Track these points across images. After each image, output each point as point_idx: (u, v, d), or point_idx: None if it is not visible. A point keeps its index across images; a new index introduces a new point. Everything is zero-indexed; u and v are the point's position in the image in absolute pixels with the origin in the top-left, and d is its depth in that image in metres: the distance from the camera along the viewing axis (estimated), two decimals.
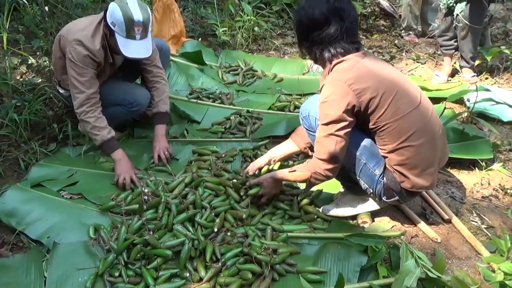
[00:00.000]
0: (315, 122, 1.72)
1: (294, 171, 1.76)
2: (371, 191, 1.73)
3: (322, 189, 1.99)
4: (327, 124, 1.57)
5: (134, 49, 2.01)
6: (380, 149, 1.67)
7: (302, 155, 2.24)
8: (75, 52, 2.03)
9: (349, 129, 1.58)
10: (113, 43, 2.03)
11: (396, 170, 1.66)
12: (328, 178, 1.69)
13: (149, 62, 2.31)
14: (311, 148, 1.98)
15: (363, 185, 1.74)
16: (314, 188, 1.98)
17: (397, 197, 1.71)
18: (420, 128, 1.60)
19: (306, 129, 1.82)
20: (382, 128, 1.59)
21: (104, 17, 2.03)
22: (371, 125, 1.61)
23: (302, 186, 2.06)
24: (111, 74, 2.32)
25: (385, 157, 1.67)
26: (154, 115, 2.33)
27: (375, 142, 1.68)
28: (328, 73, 1.64)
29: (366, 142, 1.67)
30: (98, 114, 2.09)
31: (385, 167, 1.68)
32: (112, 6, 1.98)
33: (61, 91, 2.37)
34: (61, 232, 1.77)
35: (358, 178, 1.73)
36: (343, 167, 1.72)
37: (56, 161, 2.23)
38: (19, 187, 2.02)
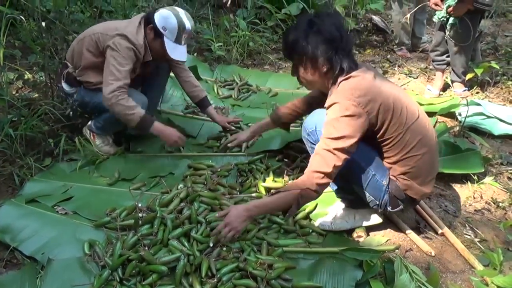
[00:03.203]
0: None
1: (278, 192, 1.63)
2: (377, 202, 1.74)
3: (317, 204, 2.00)
4: (336, 138, 1.55)
5: (179, 52, 2.23)
6: (385, 160, 1.73)
7: (297, 170, 2.26)
8: (120, 44, 2.13)
9: (355, 147, 1.58)
10: (158, 45, 2.21)
11: (400, 179, 1.72)
12: (318, 195, 1.62)
13: (179, 63, 2.54)
14: (290, 118, 2.19)
15: (368, 197, 1.74)
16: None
17: (401, 206, 1.75)
18: (422, 139, 1.68)
19: (311, 143, 1.81)
20: (388, 141, 1.66)
21: (148, 20, 2.20)
22: (378, 139, 1.67)
23: None
24: (139, 74, 2.38)
25: (389, 168, 1.73)
26: (202, 99, 2.57)
27: (379, 154, 1.73)
28: (333, 91, 1.68)
29: (373, 154, 1.71)
30: (127, 97, 2.14)
31: (389, 177, 1.72)
32: (166, 13, 2.17)
33: (66, 88, 2.38)
34: (55, 248, 1.76)
35: (364, 191, 1.73)
36: (348, 180, 1.75)
37: (51, 176, 2.23)
38: (13, 202, 2.01)
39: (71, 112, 2.44)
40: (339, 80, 1.65)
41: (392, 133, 1.64)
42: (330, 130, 1.58)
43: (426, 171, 1.74)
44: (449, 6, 3.03)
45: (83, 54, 2.26)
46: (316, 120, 1.74)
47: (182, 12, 2.20)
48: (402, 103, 1.65)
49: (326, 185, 1.59)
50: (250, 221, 1.69)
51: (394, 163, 1.71)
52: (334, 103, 1.59)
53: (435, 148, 1.76)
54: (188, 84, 2.56)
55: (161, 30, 2.16)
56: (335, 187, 1.96)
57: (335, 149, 1.55)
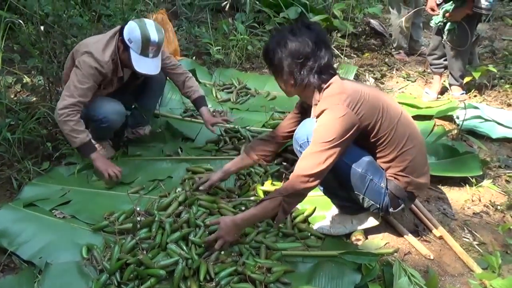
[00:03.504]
0: None
1: (262, 201, 1.69)
2: (378, 206, 1.74)
3: (315, 207, 2.00)
4: (324, 142, 1.55)
5: (146, 66, 2.15)
6: (381, 160, 1.73)
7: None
8: (83, 62, 2.12)
9: (343, 149, 1.59)
10: (126, 57, 2.16)
11: (399, 176, 1.72)
12: (302, 198, 1.66)
13: (165, 65, 2.40)
14: (265, 159, 2.04)
15: (368, 202, 1.74)
16: (305, 207, 1.99)
17: (402, 205, 1.76)
18: (411, 132, 1.72)
19: None
20: (383, 139, 1.66)
21: (120, 32, 2.15)
22: (372, 139, 1.67)
23: None
24: (118, 88, 2.37)
25: (386, 168, 1.73)
26: (195, 100, 2.50)
27: (373, 156, 1.73)
28: (319, 100, 1.68)
29: (368, 158, 1.71)
30: (78, 118, 2.13)
31: (386, 179, 1.73)
32: (132, 25, 2.12)
33: None
34: (53, 252, 1.76)
35: (363, 196, 1.72)
36: (345, 188, 1.74)
37: (49, 180, 2.23)
38: (11, 206, 2.00)
39: None
40: (323, 88, 1.67)
41: (385, 130, 1.64)
42: (319, 134, 1.59)
43: (422, 162, 1.77)
44: (446, 11, 3.04)
45: (65, 69, 2.30)
46: (307, 131, 1.72)
47: (150, 24, 2.13)
48: (384, 100, 1.69)
49: (310, 188, 1.61)
50: (239, 233, 1.78)
51: (392, 160, 1.71)
52: (324, 110, 1.60)
53: (423, 138, 1.82)
54: (184, 85, 2.51)
55: (127, 43, 2.12)
56: (331, 197, 1.93)
57: (321, 151, 1.56)
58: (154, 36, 2.10)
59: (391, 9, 4.21)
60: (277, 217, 1.65)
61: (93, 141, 2.29)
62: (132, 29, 2.10)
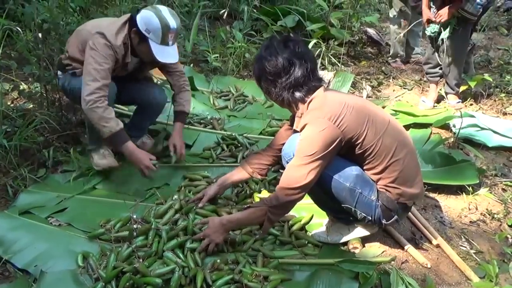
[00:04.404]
0: None
1: (249, 207, 1.73)
2: (370, 218, 1.73)
3: (312, 215, 2.00)
4: (307, 155, 1.56)
5: (167, 54, 2.09)
6: (371, 172, 1.71)
7: None
8: (98, 42, 2.03)
9: (325, 164, 1.61)
10: (144, 49, 2.09)
11: (390, 188, 1.71)
12: (287, 210, 1.69)
13: (173, 70, 2.40)
14: (260, 172, 2.02)
15: (360, 214, 1.72)
16: (303, 214, 1.99)
17: (395, 216, 1.74)
18: (400, 141, 1.70)
19: None
20: (369, 151, 1.65)
21: (133, 23, 2.06)
22: (357, 151, 1.65)
23: None
24: (120, 75, 2.28)
25: (376, 180, 1.72)
26: (176, 113, 2.42)
27: (362, 168, 1.71)
28: (302, 113, 1.68)
29: (356, 171, 1.69)
30: (106, 105, 2.01)
31: (377, 190, 1.71)
32: (147, 14, 2.03)
33: (59, 74, 2.35)
34: (48, 261, 1.74)
35: (354, 209, 1.72)
36: (336, 202, 1.73)
37: (45, 188, 2.21)
38: (6, 214, 1.99)
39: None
40: (306, 102, 1.67)
41: (371, 142, 1.63)
42: (301, 148, 1.60)
43: (414, 172, 1.75)
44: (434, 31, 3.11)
45: (71, 45, 2.22)
46: (292, 147, 1.72)
47: (165, 10, 2.06)
48: (371, 110, 1.68)
49: (294, 201, 1.63)
50: (226, 234, 1.79)
51: (382, 171, 1.69)
52: (306, 125, 1.62)
53: (413, 147, 1.79)
54: (179, 92, 2.44)
55: (145, 33, 2.03)
56: (324, 210, 1.92)
57: (304, 165, 1.57)
58: (173, 23, 2.04)
59: (390, 14, 4.25)
60: (263, 227, 1.70)
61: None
62: (149, 19, 2.02)
